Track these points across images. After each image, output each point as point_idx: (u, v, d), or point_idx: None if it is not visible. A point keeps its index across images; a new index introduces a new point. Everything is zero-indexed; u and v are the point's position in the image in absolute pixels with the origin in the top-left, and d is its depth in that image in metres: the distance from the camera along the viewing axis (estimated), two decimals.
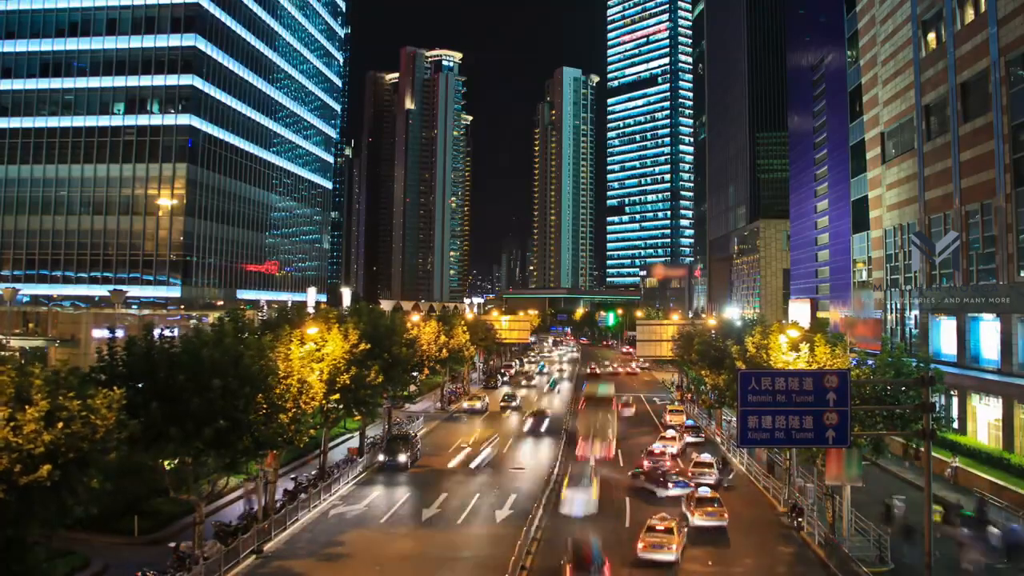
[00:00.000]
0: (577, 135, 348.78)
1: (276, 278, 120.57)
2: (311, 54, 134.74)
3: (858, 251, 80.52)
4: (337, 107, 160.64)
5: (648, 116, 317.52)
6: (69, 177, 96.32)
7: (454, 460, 47.49)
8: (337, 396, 36.82)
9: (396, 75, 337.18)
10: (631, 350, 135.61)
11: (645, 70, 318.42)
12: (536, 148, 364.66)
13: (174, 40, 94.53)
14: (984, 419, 46.49)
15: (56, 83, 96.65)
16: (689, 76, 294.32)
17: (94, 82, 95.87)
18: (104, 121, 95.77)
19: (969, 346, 49.22)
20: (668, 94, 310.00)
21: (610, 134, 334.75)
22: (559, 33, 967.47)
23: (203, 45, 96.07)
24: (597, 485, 36.40)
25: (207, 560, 25.87)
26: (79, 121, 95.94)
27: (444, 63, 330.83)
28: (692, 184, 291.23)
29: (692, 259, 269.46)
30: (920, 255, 55.52)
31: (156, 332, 26.78)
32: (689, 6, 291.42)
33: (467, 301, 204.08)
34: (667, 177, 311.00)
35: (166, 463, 26.13)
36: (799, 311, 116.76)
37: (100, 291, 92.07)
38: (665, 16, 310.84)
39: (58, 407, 17.92)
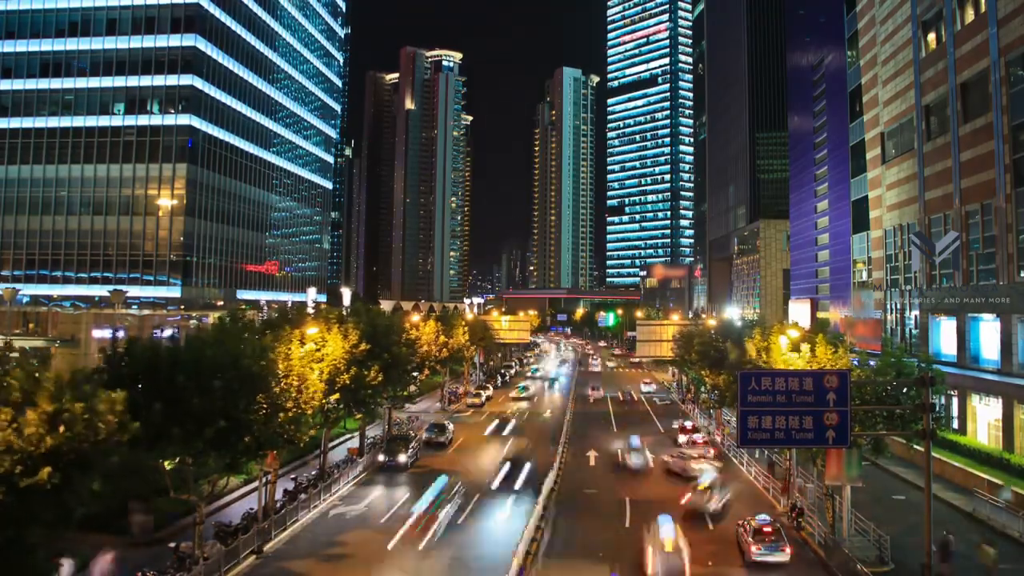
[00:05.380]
0: (577, 135, 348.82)
1: (276, 278, 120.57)
2: (311, 54, 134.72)
3: (858, 251, 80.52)
4: (337, 107, 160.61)
5: (648, 116, 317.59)
6: (69, 177, 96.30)
7: (454, 460, 47.47)
8: (337, 396, 36.82)
9: (396, 75, 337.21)
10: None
11: (645, 70, 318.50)
12: (536, 148, 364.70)
13: (174, 40, 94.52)
14: (984, 419, 46.47)
15: (56, 83, 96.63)
16: (689, 76, 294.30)
17: (94, 82, 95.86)
18: (104, 121, 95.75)
19: (969, 346, 49.22)
20: (668, 94, 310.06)
21: (610, 134, 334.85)
22: (559, 33, 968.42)
23: (203, 45, 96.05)
24: None
25: (207, 560, 25.86)
26: (79, 121, 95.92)
27: (444, 63, 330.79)
28: (692, 184, 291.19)
29: (692, 259, 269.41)
30: (920, 255, 55.53)
31: (160, 333, 26.80)
32: (689, 6, 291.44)
33: (467, 301, 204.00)
34: (667, 177, 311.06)
35: (167, 463, 26.14)
36: (799, 311, 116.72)
37: (100, 291, 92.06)
38: (665, 16, 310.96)
39: (61, 410, 17.90)
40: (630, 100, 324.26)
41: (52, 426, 17.56)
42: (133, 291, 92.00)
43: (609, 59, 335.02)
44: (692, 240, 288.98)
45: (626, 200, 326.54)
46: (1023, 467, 38.16)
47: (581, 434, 57.29)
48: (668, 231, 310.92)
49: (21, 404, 17.51)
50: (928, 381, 24.26)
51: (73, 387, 18.95)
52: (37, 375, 18.34)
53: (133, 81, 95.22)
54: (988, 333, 47.54)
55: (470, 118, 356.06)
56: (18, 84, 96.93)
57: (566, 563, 28.93)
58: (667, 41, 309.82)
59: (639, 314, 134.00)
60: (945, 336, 53.39)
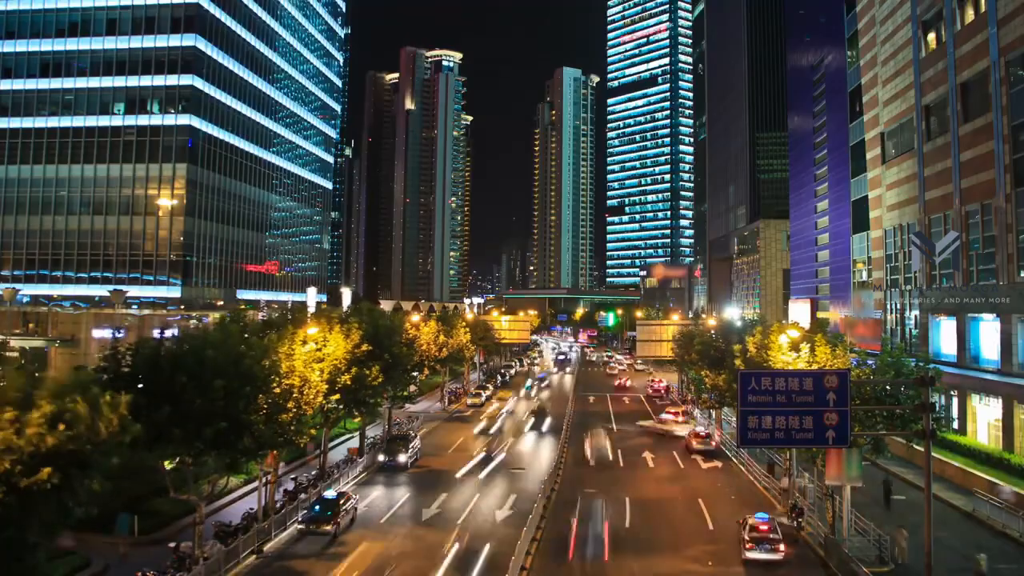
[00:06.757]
0: (577, 135, 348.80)
1: (276, 278, 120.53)
2: (311, 54, 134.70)
3: (858, 251, 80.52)
4: (337, 107, 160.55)
5: (648, 116, 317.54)
6: (69, 177, 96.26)
7: (455, 460, 47.47)
8: (337, 396, 36.81)
9: (396, 75, 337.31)
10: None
11: (645, 70, 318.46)
12: (536, 148, 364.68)
13: (174, 40, 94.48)
14: (984, 419, 46.47)
15: (56, 83, 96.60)
16: (689, 76, 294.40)
17: (94, 82, 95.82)
18: (104, 121, 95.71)
19: (969, 346, 49.20)
20: (668, 94, 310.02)
21: (610, 134, 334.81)
22: (559, 33, 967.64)
23: (203, 45, 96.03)
24: None
25: (207, 560, 25.86)
26: (79, 121, 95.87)
27: (444, 63, 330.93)
28: (692, 184, 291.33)
29: (692, 259, 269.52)
30: (920, 255, 55.51)
31: (166, 333, 26.78)
32: (689, 6, 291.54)
33: (467, 301, 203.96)
34: (667, 177, 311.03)
35: (167, 463, 26.12)
36: (799, 311, 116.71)
37: (100, 291, 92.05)
38: (665, 16, 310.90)
39: (63, 410, 17.86)
40: (630, 100, 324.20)
41: (53, 426, 17.54)
42: (133, 291, 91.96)
43: (609, 59, 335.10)
44: (692, 240, 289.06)
45: (626, 200, 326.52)
46: (1023, 467, 38.18)
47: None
48: (668, 231, 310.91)
49: (22, 404, 17.50)
50: (928, 381, 24.24)
51: (77, 388, 18.92)
52: (36, 375, 18.34)
53: (133, 81, 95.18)
54: (988, 333, 47.51)
55: (470, 118, 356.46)
56: (18, 84, 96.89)
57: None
58: (667, 41, 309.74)
59: (639, 314, 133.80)
60: (945, 336, 53.35)
